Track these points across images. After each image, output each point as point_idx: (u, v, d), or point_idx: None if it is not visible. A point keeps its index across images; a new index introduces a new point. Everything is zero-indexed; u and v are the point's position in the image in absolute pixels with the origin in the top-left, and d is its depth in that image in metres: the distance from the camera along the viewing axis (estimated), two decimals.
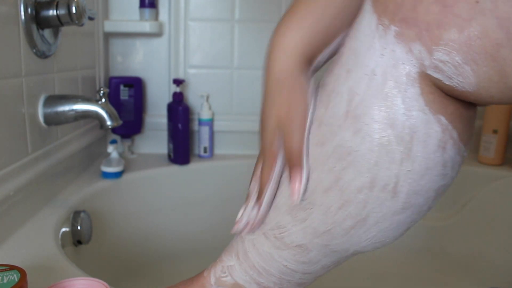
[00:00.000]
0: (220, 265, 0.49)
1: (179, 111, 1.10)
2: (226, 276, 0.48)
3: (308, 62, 0.42)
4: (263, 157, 0.44)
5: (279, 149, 0.43)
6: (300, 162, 0.41)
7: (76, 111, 0.76)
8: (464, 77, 0.32)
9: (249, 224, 0.45)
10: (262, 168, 0.45)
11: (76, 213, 0.78)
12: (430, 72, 0.34)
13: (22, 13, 0.68)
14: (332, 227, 0.41)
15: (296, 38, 0.41)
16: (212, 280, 0.49)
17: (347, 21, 0.41)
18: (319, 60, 0.43)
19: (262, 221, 0.45)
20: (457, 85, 0.33)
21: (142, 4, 1.13)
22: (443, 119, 0.35)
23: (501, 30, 0.30)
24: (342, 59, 0.39)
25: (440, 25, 0.32)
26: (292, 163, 0.41)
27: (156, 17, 1.17)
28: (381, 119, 0.36)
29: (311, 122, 0.41)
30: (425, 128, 0.35)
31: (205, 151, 1.19)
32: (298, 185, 0.41)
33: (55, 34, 0.79)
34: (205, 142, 1.19)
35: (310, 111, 0.41)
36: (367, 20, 0.36)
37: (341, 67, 0.39)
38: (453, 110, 0.35)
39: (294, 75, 0.42)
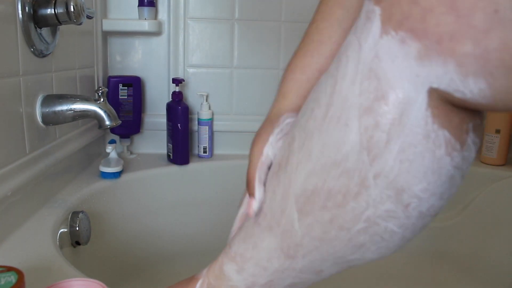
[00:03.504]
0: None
1: (179, 111, 1.09)
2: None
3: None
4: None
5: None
6: (252, 191, 0.49)
7: (74, 110, 0.75)
8: (479, 91, 0.30)
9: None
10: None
11: (75, 214, 0.77)
12: (440, 86, 0.32)
13: (20, 11, 0.67)
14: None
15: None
16: (205, 270, 0.52)
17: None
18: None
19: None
20: (470, 98, 0.31)
21: (141, 3, 1.13)
22: (446, 133, 0.34)
23: None
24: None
25: (453, 37, 0.29)
26: (249, 192, 0.50)
27: (155, 16, 1.16)
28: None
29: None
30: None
31: (204, 151, 1.18)
32: (253, 205, 0.48)
33: (53, 33, 0.79)
34: (204, 142, 1.18)
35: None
36: (373, 31, 0.34)
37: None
38: (458, 123, 0.34)
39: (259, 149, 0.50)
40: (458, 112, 0.34)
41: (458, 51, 0.30)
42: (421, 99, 0.32)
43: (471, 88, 0.30)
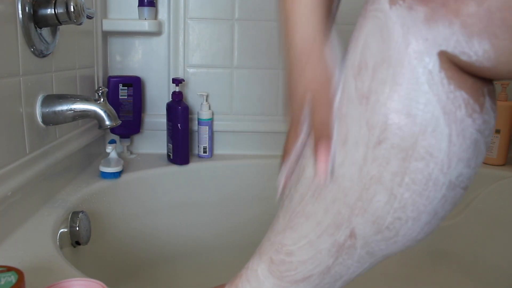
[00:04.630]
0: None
1: (179, 111, 1.09)
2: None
3: (327, 14, 0.41)
4: (291, 126, 0.44)
5: (306, 120, 0.42)
6: (329, 132, 0.39)
7: (74, 110, 0.75)
8: (483, 52, 0.31)
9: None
10: (288, 136, 0.44)
11: (75, 214, 0.77)
12: (448, 49, 0.32)
13: (20, 11, 0.67)
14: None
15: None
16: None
17: None
18: (335, 4, 0.42)
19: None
20: (476, 61, 0.32)
21: (141, 3, 1.13)
22: (463, 93, 0.34)
23: None
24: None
25: None
26: (320, 134, 0.39)
27: (155, 16, 1.16)
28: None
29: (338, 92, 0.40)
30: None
31: (204, 151, 1.18)
32: (326, 157, 0.38)
33: (53, 33, 0.79)
34: (204, 142, 1.18)
35: (336, 80, 0.40)
36: (382, 3, 0.35)
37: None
38: (473, 84, 0.34)
39: (317, 43, 0.40)
40: (470, 76, 0.34)
41: (462, 12, 0.30)
42: (433, 62, 0.33)
43: (476, 50, 0.31)
